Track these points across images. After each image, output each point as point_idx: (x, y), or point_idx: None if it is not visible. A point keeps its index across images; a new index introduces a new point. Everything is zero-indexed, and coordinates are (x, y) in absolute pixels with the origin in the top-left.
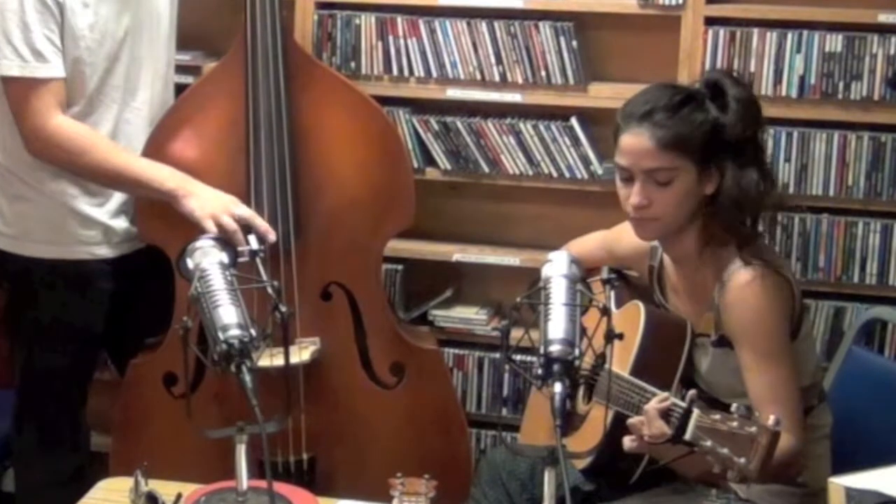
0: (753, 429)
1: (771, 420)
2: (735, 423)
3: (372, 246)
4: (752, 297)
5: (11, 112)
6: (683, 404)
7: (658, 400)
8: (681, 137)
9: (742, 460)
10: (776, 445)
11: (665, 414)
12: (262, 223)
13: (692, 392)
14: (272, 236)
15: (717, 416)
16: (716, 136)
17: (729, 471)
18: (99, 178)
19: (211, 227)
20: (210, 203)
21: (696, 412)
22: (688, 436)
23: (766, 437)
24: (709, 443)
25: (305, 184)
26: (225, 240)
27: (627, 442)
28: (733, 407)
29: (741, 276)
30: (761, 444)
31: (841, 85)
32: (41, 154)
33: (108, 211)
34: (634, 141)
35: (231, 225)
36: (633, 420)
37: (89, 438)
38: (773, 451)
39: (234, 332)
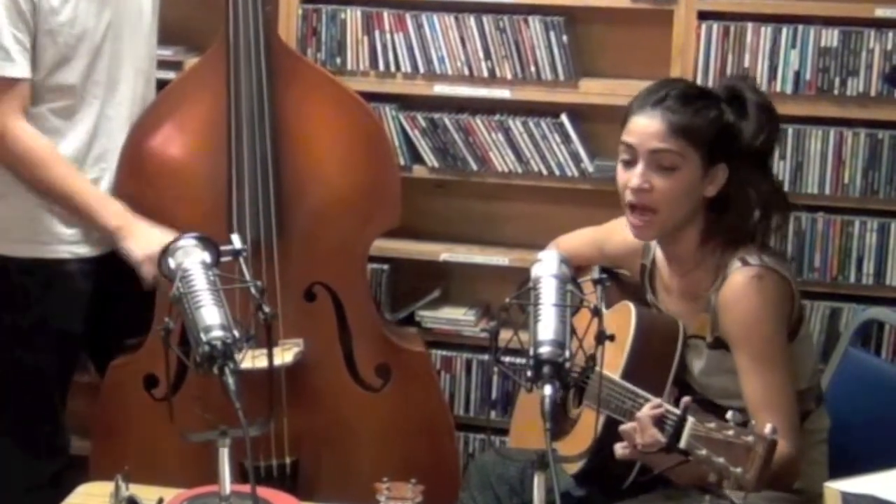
0: (750, 438)
1: (768, 429)
2: (731, 432)
3: (357, 245)
4: (749, 298)
5: None
6: (677, 411)
7: (651, 406)
8: (692, 126)
9: (739, 470)
10: (773, 455)
11: (658, 421)
12: None
13: (686, 399)
14: None
15: (713, 425)
16: (727, 138)
17: (725, 480)
18: (45, 193)
19: (146, 272)
20: (148, 245)
21: (690, 420)
22: (682, 444)
23: (763, 446)
24: (704, 452)
25: (289, 182)
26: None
27: (619, 449)
28: (729, 415)
29: (738, 277)
30: (758, 453)
31: (837, 81)
32: None
33: None
34: (646, 122)
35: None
36: (626, 427)
37: (69, 442)
38: (771, 461)
39: (217, 333)
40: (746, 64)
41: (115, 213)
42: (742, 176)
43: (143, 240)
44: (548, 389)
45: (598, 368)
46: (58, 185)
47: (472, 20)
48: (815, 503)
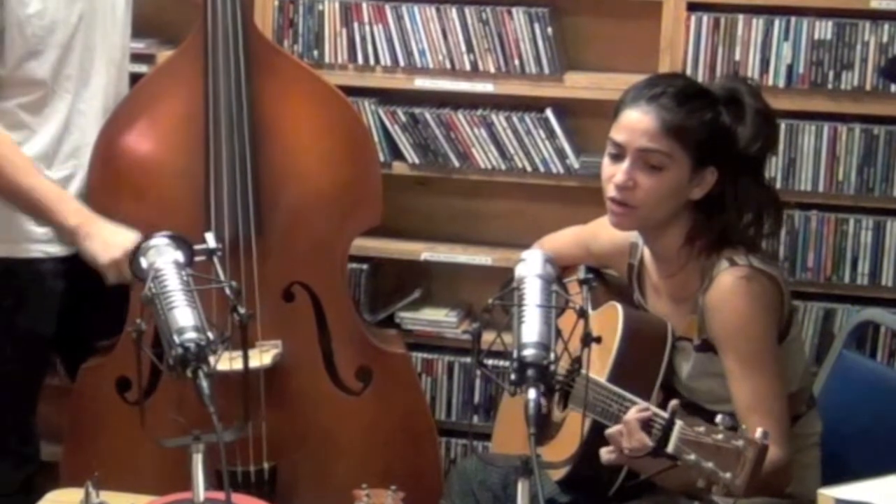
0: (740, 442)
1: (758, 433)
2: (720, 436)
3: (337, 244)
4: (737, 300)
5: None
6: (665, 415)
7: (638, 409)
8: (684, 127)
9: (728, 475)
10: (764, 460)
11: (646, 425)
12: None
13: (674, 402)
14: None
15: (702, 429)
16: (720, 141)
17: (714, 486)
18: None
19: (111, 278)
20: (113, 248)
21: (679, 423)
22: (670, 448)
23: (753, 451)
24: (692, 456)
25: (267, 179)
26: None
27: (605, 454)
28: (718, 418)
29: (726, 278)
30: (748, 458)
31: (831, 74)
32: None
33: None
34: (637, 118)
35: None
36: (612, 430)
37: (39, 447)
38: (761, 466)
39: (191, 335)
40: (738, 57)
41: (74, 211)
42: (733, 180)
43: (106, 242)
44: (532, 393)
45: (584, 371)
46: (8, 182)
47: (453, 12)
48: None
